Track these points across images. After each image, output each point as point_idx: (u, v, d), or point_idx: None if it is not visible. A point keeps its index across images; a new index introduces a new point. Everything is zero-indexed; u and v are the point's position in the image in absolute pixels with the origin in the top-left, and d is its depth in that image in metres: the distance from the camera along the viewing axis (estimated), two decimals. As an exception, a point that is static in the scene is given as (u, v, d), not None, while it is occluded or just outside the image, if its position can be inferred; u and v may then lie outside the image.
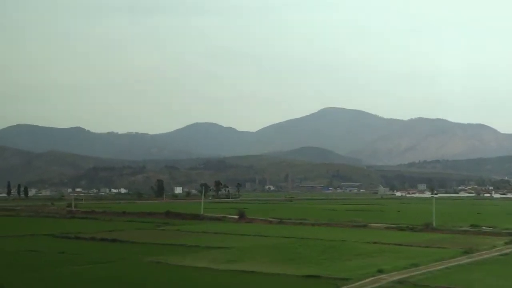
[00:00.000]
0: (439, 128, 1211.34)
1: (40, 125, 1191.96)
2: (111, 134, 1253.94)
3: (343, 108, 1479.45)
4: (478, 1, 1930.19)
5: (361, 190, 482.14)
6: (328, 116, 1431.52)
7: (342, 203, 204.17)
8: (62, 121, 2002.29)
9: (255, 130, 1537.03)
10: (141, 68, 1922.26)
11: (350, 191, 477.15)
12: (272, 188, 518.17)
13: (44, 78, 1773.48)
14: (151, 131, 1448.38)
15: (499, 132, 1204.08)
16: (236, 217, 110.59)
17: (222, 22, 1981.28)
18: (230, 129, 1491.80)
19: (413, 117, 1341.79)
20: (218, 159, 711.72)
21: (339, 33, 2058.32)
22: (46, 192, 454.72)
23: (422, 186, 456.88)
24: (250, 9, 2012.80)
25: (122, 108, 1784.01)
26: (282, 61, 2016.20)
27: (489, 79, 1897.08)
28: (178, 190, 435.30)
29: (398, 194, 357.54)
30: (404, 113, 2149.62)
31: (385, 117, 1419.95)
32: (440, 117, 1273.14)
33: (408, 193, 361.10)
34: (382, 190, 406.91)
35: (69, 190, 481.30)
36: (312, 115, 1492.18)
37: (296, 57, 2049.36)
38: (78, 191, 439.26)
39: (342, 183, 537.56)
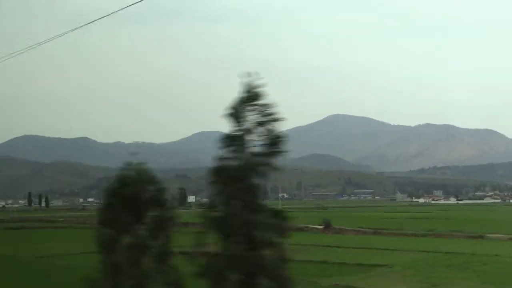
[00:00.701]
0: (447, 133, 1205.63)
1: (46, 135, 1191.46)
2: (117, 144, 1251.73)
3: (350, 115, 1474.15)
4: (486, 6, 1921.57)
5: (376, 197, 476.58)
6: (335, 123, 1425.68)
7: (388, 210, 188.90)
8: (68, 131, 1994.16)
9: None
10: (146, 78, 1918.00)
11: (364, 198, 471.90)
12: (285, 196, 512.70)
13: (49, 89, 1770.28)
14: (157, 140, 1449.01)
15: (506, 137, 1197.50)
16: (320, 227, 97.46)
17: (226, 29, 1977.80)
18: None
19: (420, 123, 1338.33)
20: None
21: (344, 39, 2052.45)
22: (58, 202, 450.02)
23: (438, 193, 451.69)
24: (252, 16, 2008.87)
25: (127, 117, 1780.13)
26: (286, 67, 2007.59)
27: (496, 83, 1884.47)
28: (191, 199, 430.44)
29: (422, 201, 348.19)
30: (410, 119, 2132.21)
31: (392, 123, 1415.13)
32: (448, 122, 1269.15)
33: (433, 200, 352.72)
34: (400, 196, 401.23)
35: (81, 200, 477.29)
36: (319, 122, 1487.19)
37: (301, 63, 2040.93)
38: (90, 201, 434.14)
39: (355, 190, 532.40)
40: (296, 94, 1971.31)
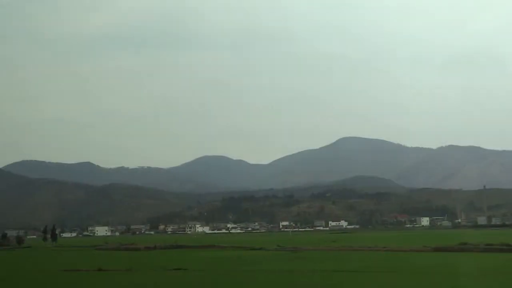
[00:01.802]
0: (475, 155, 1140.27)
1: (46, 160, 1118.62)
2: (121, 169, 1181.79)
3: (362, 138, 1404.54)
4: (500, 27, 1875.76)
5: (458, 221, 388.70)
6: (347, 146, 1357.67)
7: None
8: (70, 156, 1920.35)
9: (267, 163, 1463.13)
10: (147, 103, 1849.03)
11: (440, 224, 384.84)
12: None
13: (50, 113, 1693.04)
14: (159, 165, 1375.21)
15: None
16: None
17: (230, 55, 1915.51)
18: (241, 162, 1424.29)
19: (443, 145, 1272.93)
20: (246, 193, 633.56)
21: (350, 62, 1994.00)
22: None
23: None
24: (259, 40, 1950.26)
25: (128, 142, 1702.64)
26: (287, 92, 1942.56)
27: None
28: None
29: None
30: (428, 142, 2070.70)
31: (409, 146, 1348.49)
32: (473, 144, 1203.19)
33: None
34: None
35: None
36: (330, 145, 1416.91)
37: (307, 87, 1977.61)
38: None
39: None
40: (301, 117, 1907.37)
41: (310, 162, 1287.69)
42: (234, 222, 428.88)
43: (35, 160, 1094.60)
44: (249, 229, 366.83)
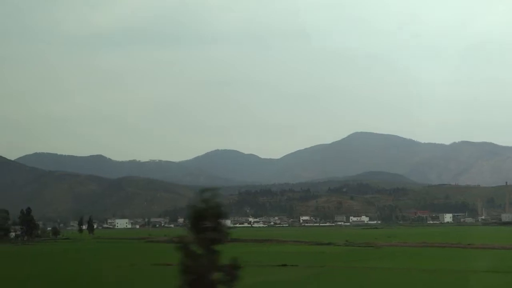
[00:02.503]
0: (488, 151, 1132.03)
1: (58, 153, 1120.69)
2: (133, 162, 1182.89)
3: (374, 133, 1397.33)
4: None
5: (482, 218, 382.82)
6: (360, 141, 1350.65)
7: None
8: (82, 149, 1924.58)
9: (278, 157, 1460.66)
10: (159, 97, 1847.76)
11: (463, 220, 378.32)
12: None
13: (65, 106, 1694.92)
14: (171, 158, 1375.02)
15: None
16: None
17: (242, 49, 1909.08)
18: (252, 156, 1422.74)
19: (455, 141, 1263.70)
20: (263, 187, 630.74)
21: (361, 58, 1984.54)
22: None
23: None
24: (272, 35, 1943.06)
25: (139, 136, 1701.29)
26: (300, 88, 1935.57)
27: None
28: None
29: None
30: (441, 137, 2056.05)
31: (422, 142, 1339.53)
32: (486, 140, 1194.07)
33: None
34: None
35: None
36: (341, 140, 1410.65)
37: (319, 82, 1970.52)
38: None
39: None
40: (312, 112, 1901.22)
41: (321, 157, 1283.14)
42: (253, 216, 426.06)
43: (47, 153, 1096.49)
44: (271, 223, 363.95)
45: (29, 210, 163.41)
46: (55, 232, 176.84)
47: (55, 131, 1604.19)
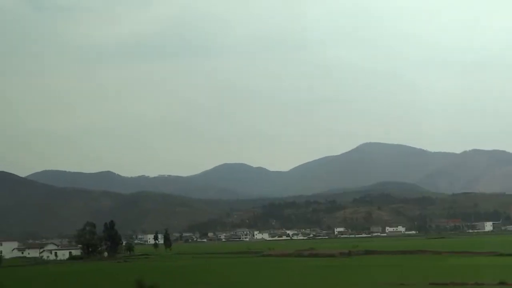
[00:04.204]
0: (500, 159, 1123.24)
1: (67, 170, 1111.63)
2: (141, 178, 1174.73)
3: (383, 143, 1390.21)
4: None
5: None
6: (369, 152, 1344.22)
7: None
8: (90, 165, 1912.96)
9: (287, 170, 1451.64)
10: (165, 111, 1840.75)
11: (505, 228, 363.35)
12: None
13: (71, 122, 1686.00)
14: (179, 173, 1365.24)
15: None
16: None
17: (249, 62, 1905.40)
18: (261, 169, 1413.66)
19: (466, 150, 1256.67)
20: (286, 199, 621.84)
21: (369, 71, 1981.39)
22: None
23: None
24: (278, 48, 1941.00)
25: (146, 151, 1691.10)
26: (306, 100, 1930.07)
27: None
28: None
29: None
30: (451, 146, 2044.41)
31: (432, 151, 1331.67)
32: (497, 148, 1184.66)
33: None
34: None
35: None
36: (351, 151, 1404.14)
37: (326, 93, 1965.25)
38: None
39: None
40: (323, 124, 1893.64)
41: (332, 169, 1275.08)
42: (281, 228, 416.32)
43: (55, 170, 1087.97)
44: (311, 235, 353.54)
45: (112, 223, 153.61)
46: (129, 247, 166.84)
47: (60, 148, 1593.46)
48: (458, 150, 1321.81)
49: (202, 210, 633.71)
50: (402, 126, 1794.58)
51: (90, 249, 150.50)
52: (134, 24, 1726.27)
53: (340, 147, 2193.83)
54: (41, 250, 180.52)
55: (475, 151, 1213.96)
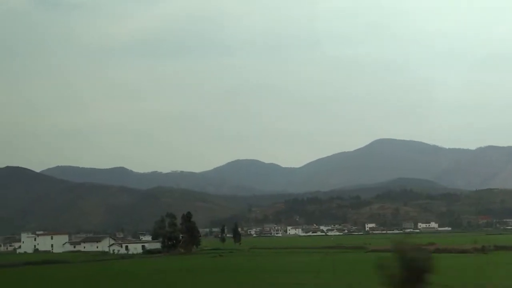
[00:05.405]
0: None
1: (80, 166, 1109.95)
2: (154, 174, 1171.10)
3: (396, 139, 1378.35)
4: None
5: None
6: (383, 148, 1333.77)
7: None
8: (103, 161, 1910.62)
9: (300, 166, 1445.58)
10: (177, 108, 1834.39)
11: None
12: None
13: (83, 119, 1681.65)
14: (192, 169, 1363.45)
15: None
16: None
17: (259, 58, 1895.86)
18: (273, 165, 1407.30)
19: (481, 146, 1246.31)
20: (289, 195, 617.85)
21: (380, 66, 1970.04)
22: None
23: None
24: (289, 44, 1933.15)
25: (158, 147, 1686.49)
26: (318, 96, 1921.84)
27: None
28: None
29: None
30: (465, 142, 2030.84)
31: (446, 147, 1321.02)
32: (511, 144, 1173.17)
33: None
34: None
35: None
36: (364, 148, 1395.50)
37: (338, 89, 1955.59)
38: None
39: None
40: (332, 120, 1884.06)
41: (346, 165, 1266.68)
42: (302, 224, 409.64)
43: (69, 166, 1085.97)
44: (345, 231, 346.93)
45: (189, 214, 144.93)
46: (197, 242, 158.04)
47: (74, 144, 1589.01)
48: (472, 146, 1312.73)
49: (221, 206, 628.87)
50: (415, 122, 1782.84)
51: (170, 243, 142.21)
52: (148, 21, 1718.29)
53: (352, 143, 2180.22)
54: (110, 243, 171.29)
55: (490, 147, 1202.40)
